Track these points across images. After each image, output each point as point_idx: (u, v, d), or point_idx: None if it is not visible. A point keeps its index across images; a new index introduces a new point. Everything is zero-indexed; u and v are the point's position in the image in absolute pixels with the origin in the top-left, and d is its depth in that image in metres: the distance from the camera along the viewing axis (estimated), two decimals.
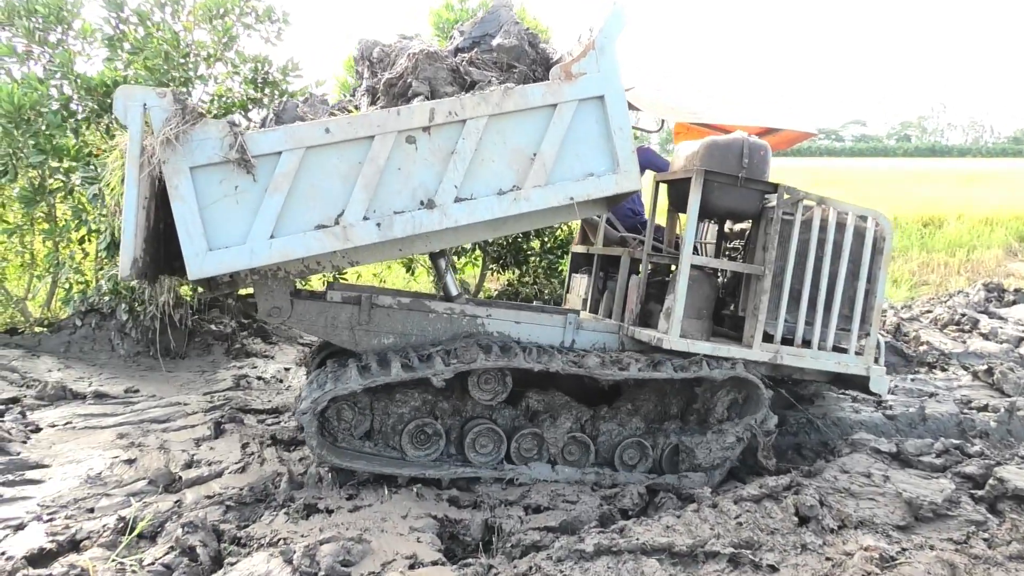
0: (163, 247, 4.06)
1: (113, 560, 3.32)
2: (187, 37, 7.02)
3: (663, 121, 6.43)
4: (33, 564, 3.29)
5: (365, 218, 3.94)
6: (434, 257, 4.94)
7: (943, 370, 7.30)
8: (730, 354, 4.49)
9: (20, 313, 7.53)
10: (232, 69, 7.49)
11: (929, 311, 9.82)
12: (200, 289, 5.54)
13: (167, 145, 3.60)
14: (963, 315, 9.00)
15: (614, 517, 4.08)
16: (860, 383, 4.88)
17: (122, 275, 3.73)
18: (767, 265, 4.51)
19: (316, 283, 7.86)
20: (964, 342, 8.17)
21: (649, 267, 4.86)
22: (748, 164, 4.51)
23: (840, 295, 4.65)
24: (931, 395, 6.31)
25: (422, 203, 4.02)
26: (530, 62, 4.61)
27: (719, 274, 5.20)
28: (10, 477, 4.26)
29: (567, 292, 6.41)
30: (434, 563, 3.40)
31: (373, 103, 4.51)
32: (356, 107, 4.54)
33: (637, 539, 3.46)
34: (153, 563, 3.30)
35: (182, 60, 6.75)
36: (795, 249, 4.55)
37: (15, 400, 5.68)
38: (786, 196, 4.50)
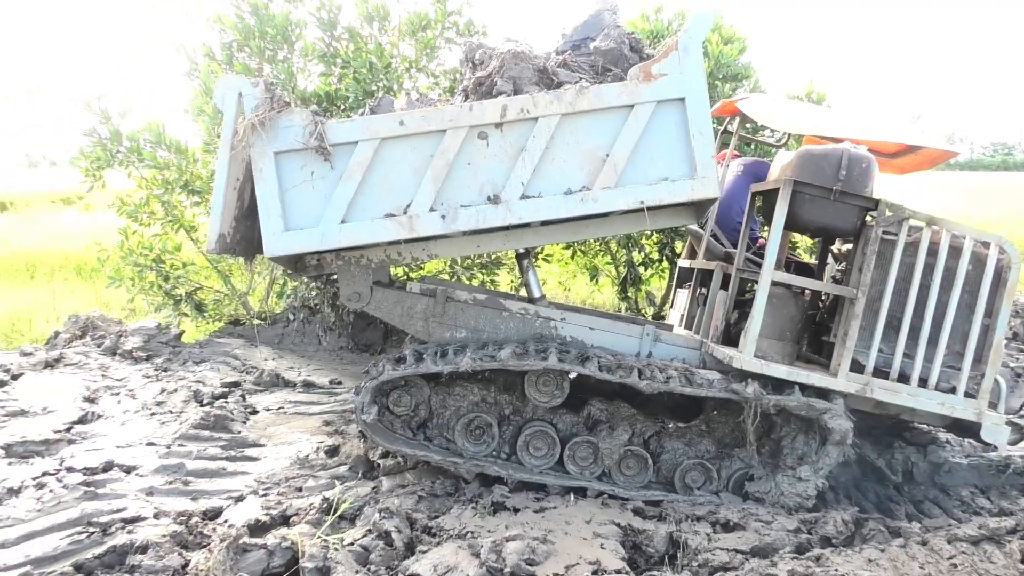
0: (257, 229, 4.37)
1: (319, 537, 3.59)
2: (392, 50, 7.48)
3: (787, 135, 6.04)
4: (251, 533, 3.63)
5: (432, 209, 4.03)
6: (519, 257, 4.96)
7: None
8: (810, 381, 4.13)
9: (243, 307, 8.38)
10: (433, 80, 7.88)
11: None
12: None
13: (254, 130, 3.89)
14: None
15: (811, 545, 3.76)
16: (973, 430, 4.32)
17: (208, 248, 4.06)
18: (861, 288, 4.11)
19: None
20: None
21: (748, 284, 4.57)
22: (846, 176, 4.10)
23: (950, 328, 4.14)
24: None
25: (488, 198, 4.04)
26: (628, 66, 4.50)
27: (822, 297, 4.80)
28: (232, 453, 4.80)
29: (670, 307, 6.18)
30: (617, 572, 3.35)
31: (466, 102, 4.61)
32: None
33: (836, 570, 3.27)
34: (352, 543, 3.55)
35: (386, 70, 7.17)
36: (896, 273, 4.12)
37: (236, 384, 6.39)
38: (888, 213, 4.09)
